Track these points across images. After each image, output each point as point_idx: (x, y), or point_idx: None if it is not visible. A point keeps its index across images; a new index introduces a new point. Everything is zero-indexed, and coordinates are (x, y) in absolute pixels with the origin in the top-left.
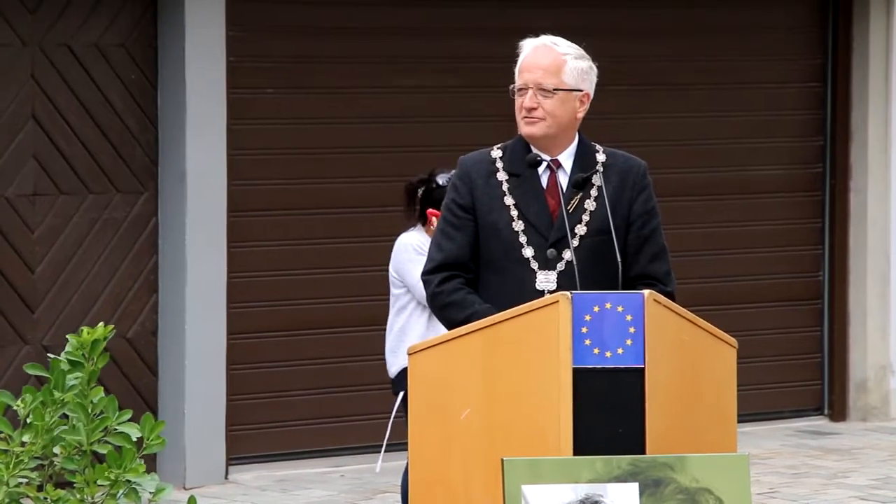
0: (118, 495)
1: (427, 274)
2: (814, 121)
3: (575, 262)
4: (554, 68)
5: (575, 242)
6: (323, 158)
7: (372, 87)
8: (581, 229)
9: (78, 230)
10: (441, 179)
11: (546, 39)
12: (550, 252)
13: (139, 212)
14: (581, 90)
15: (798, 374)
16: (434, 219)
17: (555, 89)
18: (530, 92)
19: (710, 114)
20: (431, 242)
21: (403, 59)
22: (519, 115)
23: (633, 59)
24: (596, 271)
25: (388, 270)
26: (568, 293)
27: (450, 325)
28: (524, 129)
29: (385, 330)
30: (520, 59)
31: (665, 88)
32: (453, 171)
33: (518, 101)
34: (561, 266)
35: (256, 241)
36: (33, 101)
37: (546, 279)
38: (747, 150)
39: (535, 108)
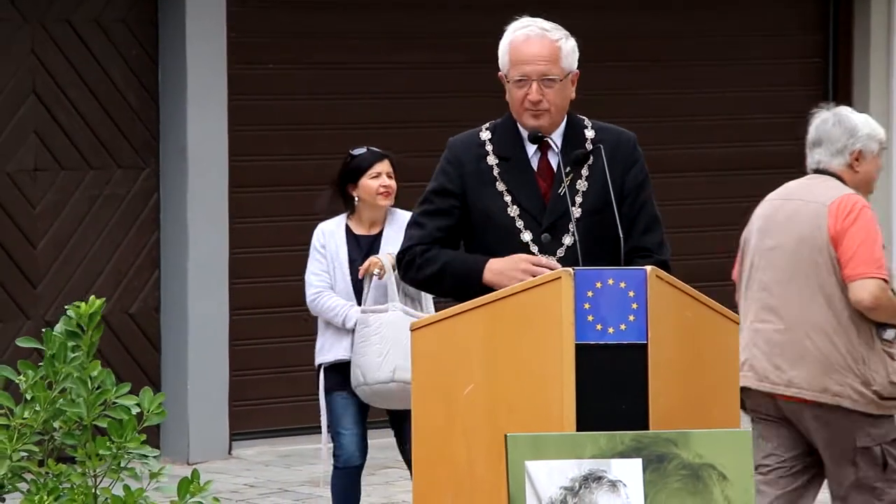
0: (119, 468)
1: (401, 252)
2: (815, 96)
3: (571, 246)
4: (553, 57)
5: (572, 225)
6: (324, 134)
7: (373, 62)
8: (576, 211)
9: (79, 206)
10: (355, 151)
11: (535, 27)
12: (545, 237)
13: (140, 187)
14: (574, 71)
15: None
16: (357, 194)
17: (560, 79)
18: (534, 84)
19: (712, 89)
20: (409, 224)
21: (405, 35)
22: (520, 107)
23: (634, 34)
24: (596, 251)
25: None
26: (570, 269)
27: (428, 284)
28: (530, 122)
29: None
30: (506, 47)
31: (665, 64)
32: (367, 148)
33: (519, 92)
34: (561, 252)
35: (258, 217)
36: (34, 77)
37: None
38: (749, 126)
39: (540, 101)
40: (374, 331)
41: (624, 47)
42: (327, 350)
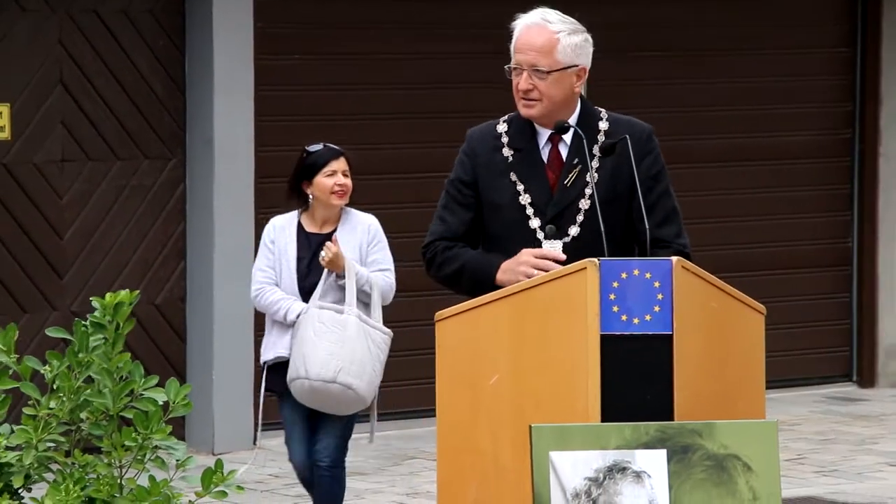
0: (145, 459)
1: (424, 247)
2: (843, 86)
3: (577, 237)
4: (547, 48)
5: (580, 217)
6: (350, 124)
7: (399, 52)
8: (585, 203)
9: (106, 196)
10: (311, 147)
11: (538, 16)
12: (549, 228)
13: (167, 178)
14: (577, 65)
15: (826, 341)
16: (311, 191)
17: (549, 70)
18: (524, 74)
19: (739, 79)
20: (434, 216)
21: (431, 25)
22: (516, 96)
23: (661, 24)
24: (603, 242)
25: (416, 236)
26: (596, 260)
27: (448, 282)
28: (522, 110)
29: (412, 295)
30: (514, 37)
31: (692, 54)
32: (323, 144)
33: (514, 80)
34: (567, 241)
35: (284, 208)
36: (61, 68)
37: (552, 248)
38: (776, 116)
39: (531, 90)
40: (328, 328)
41: (648, 37)
42: (270, 347)
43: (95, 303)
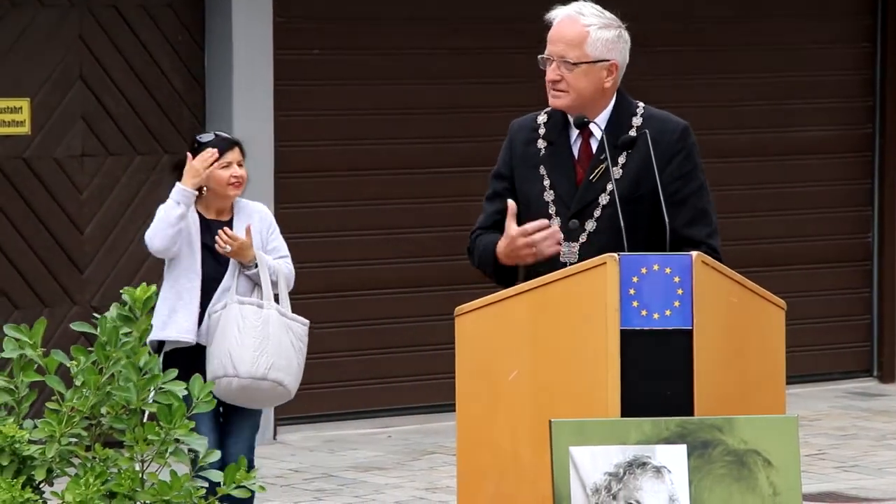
0: (167, 453)
1: (469, 237)
2: (864, 81)
3: (593, 233)
4: (577, 40)
5: (598, 212)
6: (370, 119)
7: (419, 47)
8: (604, 198)
9: (126, 191)
10: (202, 138)
11: (573, 9)
12: (573, 223)
13: None
14: (607, 60)
15: (847, 336)
16: (206, 184)
17: (577, 62)
18: (553, 64)
19: (760, 74)
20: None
21: (452, 19)
22: (547, 86)
23: (682, 19)
24: (622, 239)
25: (436, 231)
26: (615, 255)
27: (480, 270)
28: (550, 101)
29: (432, 290)
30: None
31: (714, 49)
32: (215, 133)
33: (545, 71)
34: (583, 237)
35: (304, 202)
36: (81, 63)
37: (569, 251)
38: (796, 111)
39: (558, 81)
40: (252, 324)
41: (667, 31)
42: (168, 323)
43: (126, 295)
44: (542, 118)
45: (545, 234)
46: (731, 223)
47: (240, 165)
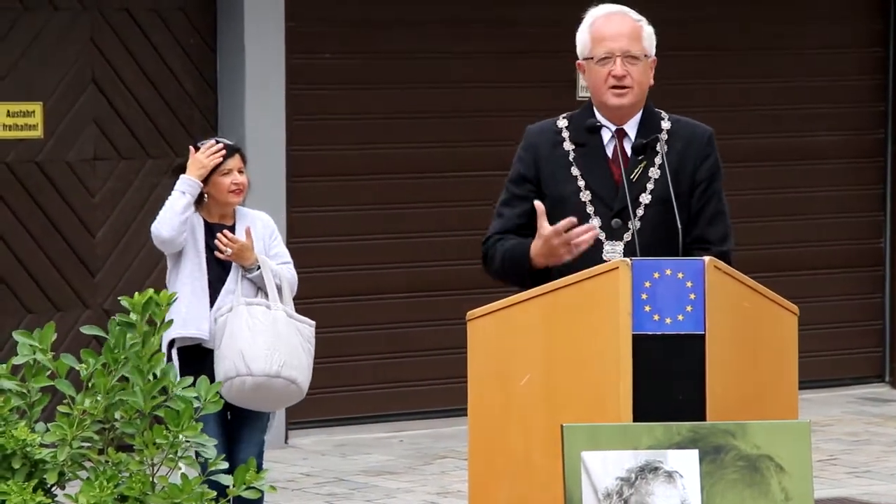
0: (177, 456)
1: (483, 244)
2: (875, 86)
3: (637, 231)
4: (635, 35)
5: (640, 211)
6: (382, 123)
7: (431, 51)
8: (646, 198)
9: (138, 194)
10: (203, 144)
11: (615, 7)
12: (615, 222)
13: None
14: (652, 56)
15: (859, 342)
16: (207, 190)
17: (640, 56)
18: (618, 60)
19: (771, 79)
20: (494, 215)
21: (464, 23)
22: (604, 86)
23: (695, 23)
24: (662, 238)
25: (448, 235)
26: (628, 259)
27: (499, 275)
28: (613, 100)
29: (444, 294)
30: (587, 28)
31: (725, 54)
32: (216, 139)
33: (602, 70)
34: (627, 236)
35: (316, 206)
36: (93, 66)
37: (613, 249)
38: (808, 116)
39: (624, 77)
40: (262, 323)
41: (680, 36)
42: (185, 321)
43: (124, 301)
44: (562, 122)
45: (581, 229)
46: (743, 228)
47: (240, 172)
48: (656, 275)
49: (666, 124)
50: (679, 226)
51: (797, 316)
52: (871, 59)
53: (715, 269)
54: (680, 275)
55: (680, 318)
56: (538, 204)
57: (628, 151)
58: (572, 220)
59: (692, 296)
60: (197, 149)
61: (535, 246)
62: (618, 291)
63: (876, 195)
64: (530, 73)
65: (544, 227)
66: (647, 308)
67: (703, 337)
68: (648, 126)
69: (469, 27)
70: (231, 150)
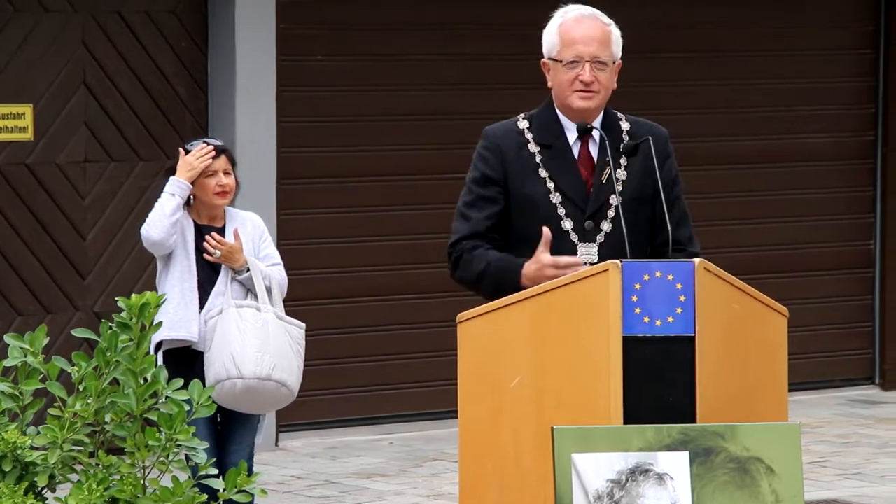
0: (168, 459)
1: (451, 246)
2: (866, 88)
3: (609, 233)
4: (605, 40)
5: (611, 213)
6: (373, 126)
7: (422, 53)
8: (615, 199)
9: (129, 197)
10: (190, 146)
11: (586, 10)
12: (588, 224)
13: None
14: (618, 59)
15: (849, 343)
16: (193, 192)
17: (608, 62)
18: (587, 66)
19: (761, 81)
20: (456, 215)
21: (455, 26)
22: (569, 89)
23: (683, 25)
24: (635, 239)
25: (438, 238)
26: (618, 261)
27: (471, 284)
28: (579, 103)
29: (434, 297)
30: (556, 29)
31: (715, 55)
32: (203, 141)
33: (569, 74)
34: (600, 238)
35: (306, 209)
36: (84, 68)
37: (587, 251)
38: (799, 118)
39: (593, 82)
40: (252, 326)
41: (670, 38)
42: (173, 323)
43: (121, 303)
44: (523, 123)
45: (573, 263)
46: (733, 230)
47: (226, 174)
48: (646, 277)
49: (625, 125)
50: (668, 225)
51: (787, 318)
52: (862, 61)
53: (705, 271)
54: (670, 276)
55: (670, 319)
56: (546, 231)
57: (593, 153)
58: (577, 260)
59: (682, 298)
60: (187, 151)
61: (530, 269)
62: (608, 293)
63: (867, 197)
64: (520, 75)
65: (545, 256)
66: (637, 310)
67: (692, 339)
68: (610, 127)
69: (459, 30)
70: (218, 151)
